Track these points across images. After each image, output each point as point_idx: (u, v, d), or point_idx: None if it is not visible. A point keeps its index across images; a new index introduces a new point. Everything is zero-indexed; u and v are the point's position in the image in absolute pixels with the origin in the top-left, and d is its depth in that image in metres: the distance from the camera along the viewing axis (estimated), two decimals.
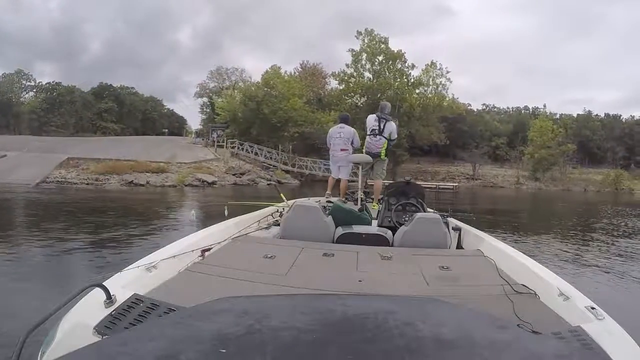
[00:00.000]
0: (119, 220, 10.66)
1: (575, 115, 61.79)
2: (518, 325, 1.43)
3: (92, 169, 24.30)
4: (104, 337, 1.47)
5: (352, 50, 47.75)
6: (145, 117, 65.43)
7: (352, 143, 6.31)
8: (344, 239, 3.47)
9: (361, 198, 5.52)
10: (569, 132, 49.48)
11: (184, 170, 27.48)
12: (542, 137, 45.78)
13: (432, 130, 45.80)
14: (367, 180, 6.47)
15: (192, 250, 2.72)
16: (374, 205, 5.52)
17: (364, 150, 6.21)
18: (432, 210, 4.76)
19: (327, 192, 6.30)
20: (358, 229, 3.62)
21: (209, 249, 2.89)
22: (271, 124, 38.97)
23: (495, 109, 65.47)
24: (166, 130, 57.61)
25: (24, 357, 0.97)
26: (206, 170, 28.64)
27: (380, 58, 47.14)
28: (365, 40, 47.28)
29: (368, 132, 6.04)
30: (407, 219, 4.15)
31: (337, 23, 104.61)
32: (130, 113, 62.06)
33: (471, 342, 0.91)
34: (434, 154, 50.86)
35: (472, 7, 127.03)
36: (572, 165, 50.28)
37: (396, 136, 6.11)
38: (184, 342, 0.86)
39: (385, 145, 5.97)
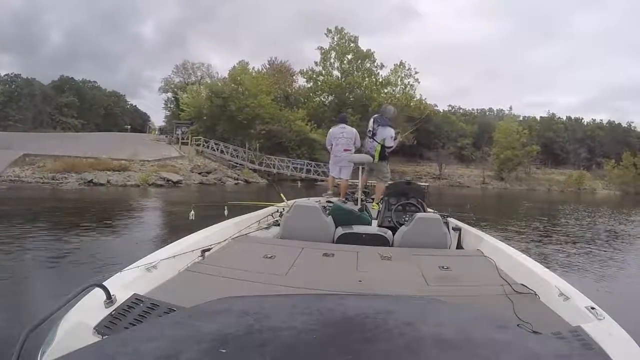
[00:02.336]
0: (72, 230, 8.70)
1: (538, 117, 64.17)
2: (518, 325, 1.41)
3: (49, 167, 22.71)
4: (104, 337, 1.48)
5: (321, 48, 47.75)
6: (107, 113, 63.14)
7: (354, 143, 6.34)
8: (344, 239, 3.50)
9: (361, 198, 5.59)
10: (533, 133, 50.86)
11: (148, 168, 26.35)
12: (507, 138, 47.02)
13: (399, 129, 45.94)
14: (368, 181, 6.48)
15: (192, 250, 2.72)
16: (374, 205, 5.50)
17: (363, 151, 6.24)
18: (432, 210, 4.80)
19: (328, 192, 6.35)
20: (358, 229, 3.66)
21: (209, 249, 2.89)
22: (238, 121, 38.08)
23: (460, 110, 66.71)
24: (129, 126, 55.75)
25: (24, 357, 0.97)
26: (171, 169, 27.59)
27: (350, 57, 47.30)
28: (335, 39, 47.45)
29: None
30: (407, 219, 4.20)
31: (304, 22, 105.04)
32: (92, 108, 59.68)
33: (471, 342, 0.92)
34: (400, 153, 51.21)
35: (438, 10, 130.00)
36: (536, 166, 52.20)
37: (392, 144, 5.95)
38: (184, 342, 0.86)
39: (378, 149, 5.88)
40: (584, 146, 62.21)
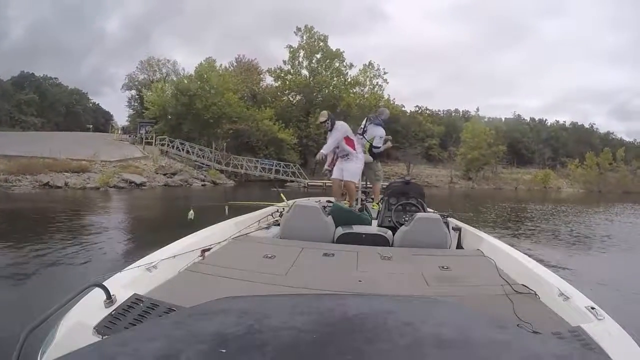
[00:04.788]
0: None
1: (502, 118, 65.56)
2: (518, 325, 1.42)
3: (2, 168, 21.04)
4: (104, 337, 1.48)
5: (290, 46, 47.35)
6: (69, 111, 60.54)
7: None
8: (344, 239, 3.52)
9: (361, 198, 5.68)
10: (499, 134, 52.01)
11: (109, 169, 25.16)
12: (474, 138, 47.88)
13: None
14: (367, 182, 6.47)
15: (192, 250, 2.72)
16: (374, 205, 5.50)
17: None
18: (432, 210, 4.85)
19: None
20: (358, 229, 3.69)
21: (209, 249, 2.89)
22: (204, 120, 37.15)
23: (427, 111, 67.30)
24: (91, 126, 53.76)
25: (24, 357, 0.97)
26: (134, 170, 26.50)
27: (319, 56, 47.13)
28: (304, 37, 47.26)
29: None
30: (407, 219, 4.20)
31: (272, 21, 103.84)
32: (53, 106, 57.08)
33: (471, 342, 0.92)
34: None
35: (405, 13, 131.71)
36: (503, 166, 53.50)
37: (380, 145, 5.92)
38: (184, 342, 0.86)
39: (367, 147, 5.90)
40: (548, 146, 64.43)
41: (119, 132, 44.30)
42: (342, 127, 5.29)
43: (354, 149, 5.37)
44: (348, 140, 5.33)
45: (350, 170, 5.38)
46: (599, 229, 13.60)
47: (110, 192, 20.89)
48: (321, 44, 47.04)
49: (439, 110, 70.52)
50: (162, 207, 16.41)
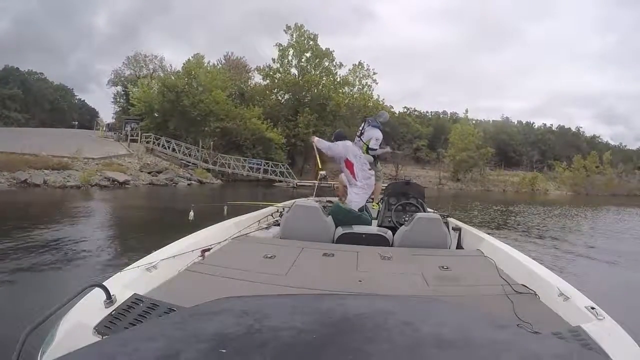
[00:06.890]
0: None
1: (490, 120, 66.25)
2: (518, 325, 1.42)
3: None
4: (104, 337, 1.48)
5: (279, 44, 46.84)
6: (54, 107, 59.69)
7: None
8: (344, 239, 3.52)
9: None
10: (487, 136, 52.21)
11: (91, 167, 24.34)
12: (462, 140, 47.85)
13: (356, 130, 45.73)
14: None
15: (192, 250, 2.72)
16: (374, 205, 5.41)
17: None
18: (432, 210, 4.86)
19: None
20: (358, 229, 3.67)
21: (209, 249, 2.89)
22: (191, 118, 36.63)
23: (415, 112, 67.46)
24: (76, 122, 52.95)
25: (24, 357, 0.97)
26: (117, 168, 25.72)
27: (308, 55, 46.63)
28: (294, 36, 46.61)
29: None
30: (407, 219, 4.18)
31: (261, 20, 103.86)
32: (37, 102, 56.13)
33: (471, 342, 0.93)
34: None
35: (394, 14, 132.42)
36: (490, 168, 53.69)
37: (375, 147, 5.92)
38: (184, 342, 0.87)
39: (364, 149, 5.87)
40: (535, 149, 65.18)
41: (104, 129, 43.48)
42: (340, 146, 4.65)
43: (354, 177, 4.52)
44: (348, 162, 4.56)
45: (353, 201, 4.40)
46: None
47: (91, 191, 20.08)
48: (311, 42, 46.60)
49: (427, 112, 70.95)
50: (145, 211, 15.32)
